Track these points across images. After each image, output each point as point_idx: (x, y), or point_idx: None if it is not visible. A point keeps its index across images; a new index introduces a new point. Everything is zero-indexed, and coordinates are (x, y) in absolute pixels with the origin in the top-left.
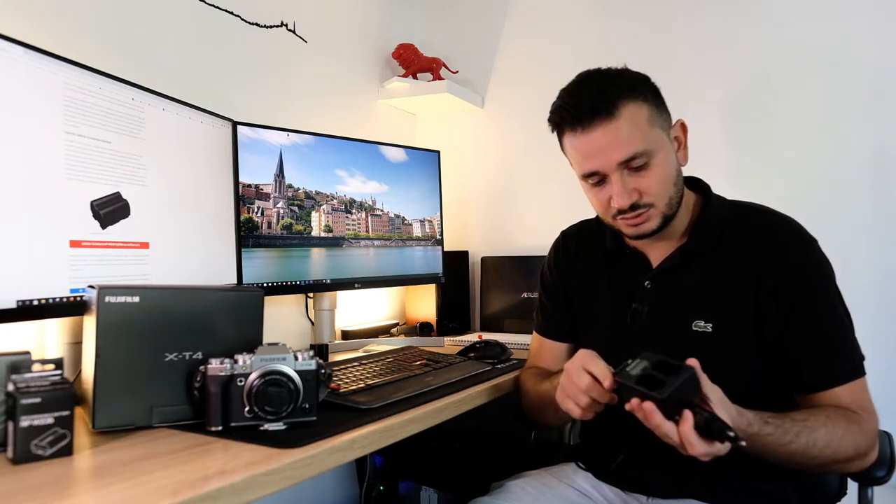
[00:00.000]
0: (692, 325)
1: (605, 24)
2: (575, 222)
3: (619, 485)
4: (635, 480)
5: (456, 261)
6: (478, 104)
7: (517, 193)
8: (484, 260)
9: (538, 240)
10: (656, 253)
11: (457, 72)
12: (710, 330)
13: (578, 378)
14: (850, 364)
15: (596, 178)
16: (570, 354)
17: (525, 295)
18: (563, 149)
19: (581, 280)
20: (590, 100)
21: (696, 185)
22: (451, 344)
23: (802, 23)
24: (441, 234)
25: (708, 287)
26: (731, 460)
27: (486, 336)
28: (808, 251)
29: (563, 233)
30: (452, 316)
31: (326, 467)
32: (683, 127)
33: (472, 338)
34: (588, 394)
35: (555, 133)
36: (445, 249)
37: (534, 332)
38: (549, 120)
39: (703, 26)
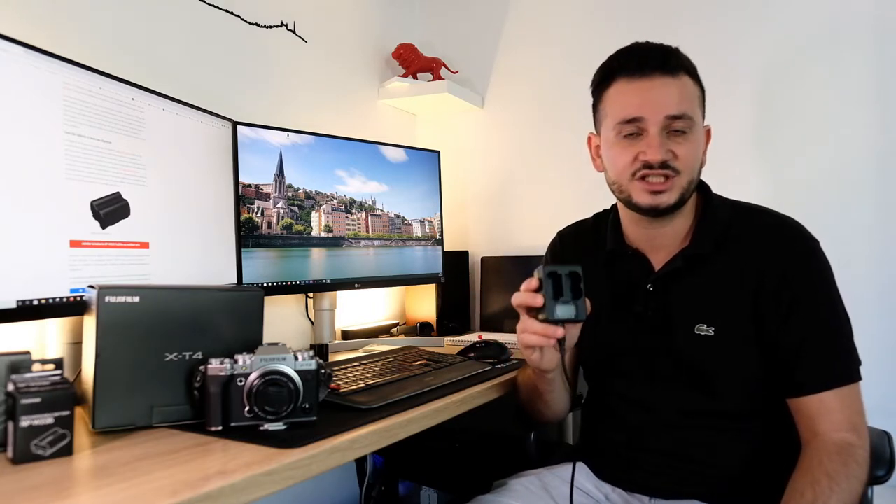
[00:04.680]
0: (695, 328)
1: (606, 24)
2: (572, 222)
3: (621, 485)
4: (638, 481)
5: (456, 261)
6: (478, 104)
7: (517, 193)
8: (484, 260)
9: (538, 240)
10: (658, 255)
11: (457, 72)
12: (713, 333)
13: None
14: (844, 365)
15: (633, 128)
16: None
17: None
18: (598, 104)
19: None
20: (659, 55)
21: None
22: (451, 344)
23: (801, 24)
24: (441, 234)
25: (710, 290)
26: (734, 461)
27: (486, 336)
28: (811, 252)
29: (560, 233)
30: (452, 316)
31: (326, 467)
32: (709, 132)
33: (472, 338)
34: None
35: (592, 89)
36: (445, 249)
37: None
38: (602, 67)
39: (702, 28)
